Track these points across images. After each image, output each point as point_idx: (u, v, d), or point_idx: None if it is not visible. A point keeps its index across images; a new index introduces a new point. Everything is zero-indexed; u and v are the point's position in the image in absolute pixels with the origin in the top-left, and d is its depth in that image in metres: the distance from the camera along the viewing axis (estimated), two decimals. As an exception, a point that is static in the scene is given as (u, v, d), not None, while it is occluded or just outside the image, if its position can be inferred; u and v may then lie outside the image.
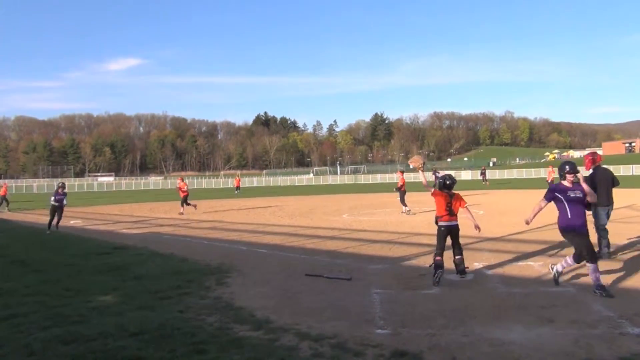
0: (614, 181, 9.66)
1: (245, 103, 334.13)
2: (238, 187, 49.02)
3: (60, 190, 17.18)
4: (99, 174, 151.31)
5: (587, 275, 7.74)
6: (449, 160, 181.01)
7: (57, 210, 16.89)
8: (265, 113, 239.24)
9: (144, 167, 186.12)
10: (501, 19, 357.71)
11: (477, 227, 8.21)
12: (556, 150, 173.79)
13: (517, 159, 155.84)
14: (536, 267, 8.52)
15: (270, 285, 7.82)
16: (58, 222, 16.95)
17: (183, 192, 23.45)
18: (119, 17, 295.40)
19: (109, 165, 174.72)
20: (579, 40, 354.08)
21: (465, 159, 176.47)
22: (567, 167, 7.08)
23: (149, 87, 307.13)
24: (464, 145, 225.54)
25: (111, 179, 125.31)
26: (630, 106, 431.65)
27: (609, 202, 9.43)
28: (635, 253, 9.56)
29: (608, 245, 9.32)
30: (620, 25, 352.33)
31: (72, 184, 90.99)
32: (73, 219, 22.05)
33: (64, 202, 17.18)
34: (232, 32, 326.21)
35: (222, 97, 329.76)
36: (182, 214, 22.74)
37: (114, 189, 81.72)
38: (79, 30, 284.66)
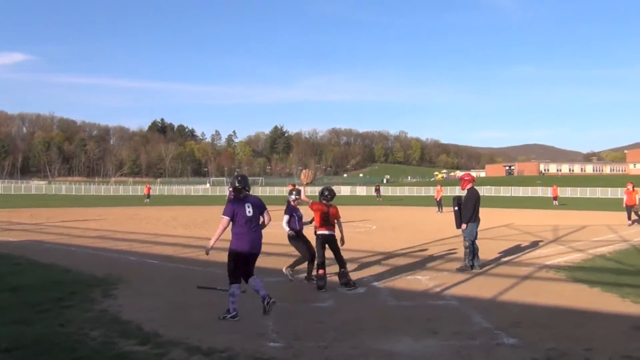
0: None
1: (141, 108, 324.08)
2: (148, 195, 46.72)
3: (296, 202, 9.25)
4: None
5: (468, 288, 8.24)
6: (345, 175, 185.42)
7: (300, 240, 9.02)
8: (162, 119, 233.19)
9: (26, 171, 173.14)
10: (398, 45, 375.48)
11: (341, 240, 8.52)
12: (444, 170, 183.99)
13: (409, 177, 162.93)
14: (423, 281, 8.90)
15: (160, 298, 7.54)
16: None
17: None
18: (1, 7, 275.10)
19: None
20: (466, 68, 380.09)
21: (361, 175, 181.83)
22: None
23: (35, 85, 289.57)
24: (360, 161, 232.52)
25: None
26: (511, 132, 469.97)
27: (478, 219, 10.15)
28: (508, 268, 10.27)
29: (475, 258, 10.00)
30: (504, 57, 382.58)
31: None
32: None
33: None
34: (129, 33, 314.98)
35: (116, 101, 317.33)
36: None
37: (-11, 193, 75.06)
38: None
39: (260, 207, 6.67)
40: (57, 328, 5.79)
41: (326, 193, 8.53)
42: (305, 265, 8.85)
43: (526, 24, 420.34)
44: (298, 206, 9.10)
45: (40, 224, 21.01)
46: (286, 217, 8.93)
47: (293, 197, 9.17)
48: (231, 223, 6.50)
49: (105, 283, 8.43)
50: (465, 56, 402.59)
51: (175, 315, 6.55)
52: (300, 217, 9.06)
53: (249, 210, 6.48)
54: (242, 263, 6.48)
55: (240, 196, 6.56)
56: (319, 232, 8.38)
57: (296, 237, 8.95)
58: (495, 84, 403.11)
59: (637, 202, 20.42)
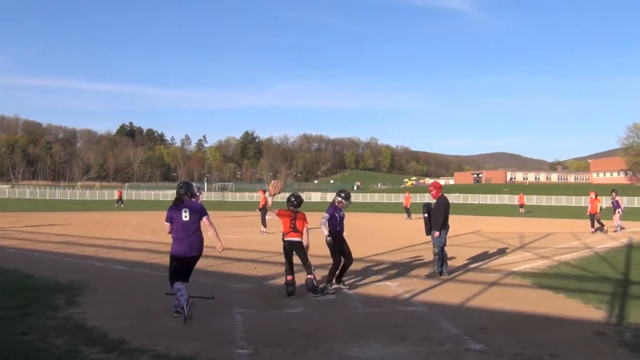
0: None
1: (109, 111, 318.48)
2: (120, 199, 45.89)
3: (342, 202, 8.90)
4: None
5: (436, 294, 8.32)
6: (315, 182, 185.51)
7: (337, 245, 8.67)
8: (131, 123, 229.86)
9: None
10: (370, 52, 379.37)
11: (307, 247, 8.47)
12: (414, 177, 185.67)
13: (379, 184, 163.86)
14: (393, 287, 8.95)
15: (127, 305, 7.41)
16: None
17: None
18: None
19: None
20: (437, 77, 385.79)
21: (332, 181, 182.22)
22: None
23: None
24: (330, 168, 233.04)
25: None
26: (479, 140, 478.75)
27: (447, 226, 10.28)
28: (475, 274, 10.42)
29: (443, 264, 10.13)
30: (474, 66, 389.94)
31: None
32: None
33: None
34: (98, 35, 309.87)
35: (84, 104, 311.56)
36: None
37: (-51, 196, 72.85)
38: None
39: (199, 211, 6.96)
40: (19, 336, 5.63)
41: (292, 199, 8.57)
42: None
43: (496, 35, 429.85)
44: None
45: (2, 228, 20.44)
46: (326, 216, 8.62)
47: (339, 199, 8.87)
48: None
49: (70, 289, 8.24)
50: (436, 65, 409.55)
51: (143, 322, 6.44)
52: (342, 218, 8.79)
53: (185, 215, 6.82)
54: (182, 266, 6.88)
55: (178, 202, 6.95)
56: (286, 238, 8.38)
57: (333, 243, 8.53)
58: (464, 92, 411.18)
59: (599, 211, 20.94)
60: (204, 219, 6.93)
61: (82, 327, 6.10)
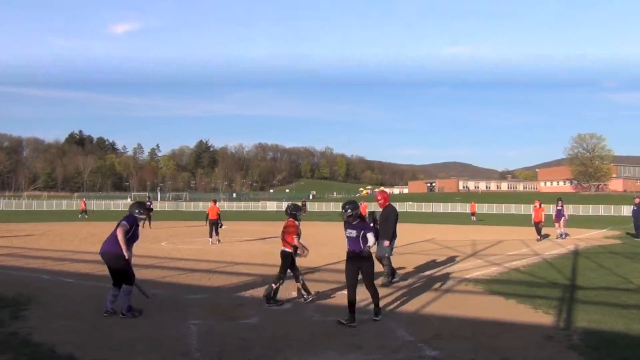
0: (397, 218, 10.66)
1: (57, 119, 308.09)
2: (84, 210, 44.28)
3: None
4: None
5: (391, 302, 8.40)
6: (271, 191, 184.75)
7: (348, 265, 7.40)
8: (80, 131, 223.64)
9: None
10: (323, 62, 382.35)
11: (302, 252, 8.59)
12: (369, 186, 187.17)
13: (335, 193, 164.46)
14: (349, 296, 8.96)
15: (76, 318, 7.17)
16: None
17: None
18: None
19: None
20: (391, 88, 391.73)
21: (287, 190, 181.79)
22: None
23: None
24: (286, 177, 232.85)
25: None
26: (432, 150, 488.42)
27: (395, 235, 10.43)
28: (429, 281, 10.57)
29: (392, 274, 10.26)
30: (426, 78, 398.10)
31: None
32: None
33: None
34: (44, 38, 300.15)
35: (30, 111, 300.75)
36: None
37: None
38: None
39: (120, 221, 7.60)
40: (-40, 353, 5.38)
41: (286, 209, 8.82)
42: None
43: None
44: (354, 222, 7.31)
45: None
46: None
47: (346, 212, 7.31)
48: None
49: (15, 304, 7.92)
50: (389, 76, 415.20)
51: (92, 336, 6.24)
52: (351, 237, 7.18)
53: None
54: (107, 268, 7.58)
55: None
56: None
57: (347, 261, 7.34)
58: (417, 103, 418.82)
59: (544, 219, 21.59)
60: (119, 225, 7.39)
61: (28, 342, 5.87)
